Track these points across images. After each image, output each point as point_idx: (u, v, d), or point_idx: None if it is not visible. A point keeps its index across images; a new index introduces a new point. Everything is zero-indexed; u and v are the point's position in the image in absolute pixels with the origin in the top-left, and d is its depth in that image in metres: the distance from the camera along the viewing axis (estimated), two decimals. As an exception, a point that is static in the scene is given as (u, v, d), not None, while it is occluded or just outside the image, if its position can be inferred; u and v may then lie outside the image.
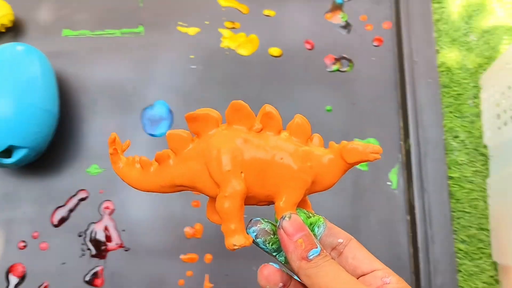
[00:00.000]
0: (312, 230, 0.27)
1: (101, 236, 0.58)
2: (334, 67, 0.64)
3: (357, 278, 0.26)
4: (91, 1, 0.66)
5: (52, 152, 0.60)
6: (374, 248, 0.52)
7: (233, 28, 0.66)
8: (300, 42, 0.65)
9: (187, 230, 0.58)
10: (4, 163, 0.52)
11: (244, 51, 0.65)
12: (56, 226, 0.58)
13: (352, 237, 0.27)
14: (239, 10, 0.66)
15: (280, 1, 0.66)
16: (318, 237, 0.27)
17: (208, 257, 0.58)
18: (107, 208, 0.59)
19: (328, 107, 0.62)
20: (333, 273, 0.24)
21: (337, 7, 0.67)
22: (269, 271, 0.26)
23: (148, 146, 0.61)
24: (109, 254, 0.57)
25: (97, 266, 0.56)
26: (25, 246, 0.57)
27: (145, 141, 0.61)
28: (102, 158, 0.60)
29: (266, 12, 0.66)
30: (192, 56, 0.64)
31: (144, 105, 0.62)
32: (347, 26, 0.66)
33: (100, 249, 0.57)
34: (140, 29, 0.65)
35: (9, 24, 0.61)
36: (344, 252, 0.27)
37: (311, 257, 0.24)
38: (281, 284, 0.26)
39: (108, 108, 0.62)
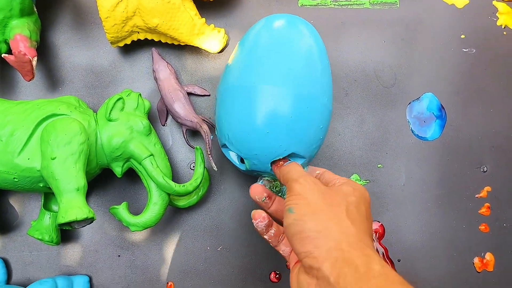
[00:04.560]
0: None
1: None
2: None
3: None
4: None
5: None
6: None
7: (510, 1, 0.51)
8: None
9: (476, 261, 0.47)
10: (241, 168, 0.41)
11: (525, 32, 0.50)
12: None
13: (327, 170, 0.36)
14: (517, -23, 0.51)
15: None
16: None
17: (506, 295, 0.46)
18: (375, 231, 0.47)
19: None
20: (292, 169, 0.34)
21: None
22: (255, 186, 0.37)
23: (417, 152, 0.48)
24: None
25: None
26: (279, 279, 0.45)
27: (414, 146, 0.48)
28: (363, 166, 0.47)
29: (551, -20, 0.51)
30: (463, 36, 0.50)
31: (409, 99, 0.49)
32: None
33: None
34: (395, -1, 0.50)
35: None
36: (321, 178, 0.35)
37: (284, 165, 0.36)
38: (265, 194, 0.36)
39: (364, 102, 0.49)
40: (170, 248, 0.46)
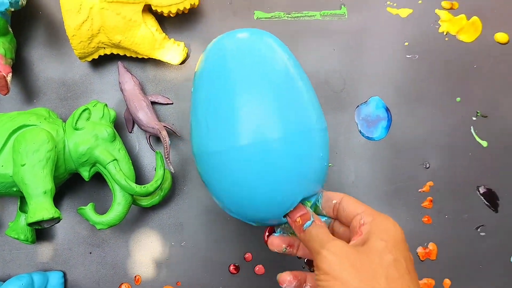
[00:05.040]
0: (310, 202, 0.34)
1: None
2: None
3: (349, 227, 0.32)
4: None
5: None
6: None
7: (451, 9, 0.55)
8: (530, 26, 0.55)
9: (420, 251, 0.51)
10: None
11: (466, 37, 0.55)
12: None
13: (344, 194, 0.33)
14: (457, -13, 0.55)
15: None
16: (319, 205, 0.34)
17: (447, 282, 0.51)
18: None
19: None
20: (316, 235, 0.30)
21: None
22: (271, 239, 0.35)
23: (365, 152, 0.52)
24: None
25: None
26: (237, 270, 0.50)
27: (362, 146, 0.52)
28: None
29: (488, -11, 0.55)
30: (406, 43, 0.54)
31: (358, 102, 0.53)
32: None
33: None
34: (343, 10, 0.55)
35: (196, 4, 0.50)
36: (339, 209, 0.32)
37: (305, 229, 0.31)
38: (284, 245, 0.34)
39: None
40: (137, 244, 0.50)
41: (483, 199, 0.52)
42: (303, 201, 0.34)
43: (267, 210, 0.33)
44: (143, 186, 0.44)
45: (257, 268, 0.50)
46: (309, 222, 0.31)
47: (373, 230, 0.29)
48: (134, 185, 0.44)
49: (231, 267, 0.50)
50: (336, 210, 0.33)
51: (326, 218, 0.35)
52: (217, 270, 0.50)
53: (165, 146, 0.47)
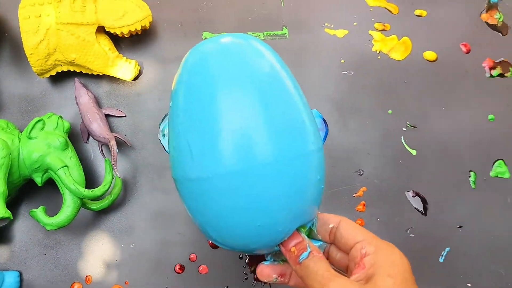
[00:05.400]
0: (305, 227, 0.31)
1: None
2: (494, 72, 0.59)
3: (347, 253, 0.29)
4: (230, 2, 0.61)
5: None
6: None
7: (384, 30, 0.61)
8: (456, 45, 0.61)
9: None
10: None
11: (397, 55, 0.60)
12: (214, 247, 0.54)
13: (342, 217, 0.31)
14: (389, 10, 0.61)
15: (431, 0, 0.61)
16: (314, 229, 0.32)
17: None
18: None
19: (490, 116, 0.58)
20: (315, 271, 0.27)
21: (492, 7, 0.62)
22: (261, 268, 0.32)
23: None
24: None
25: (266, 292, 0.53)
26: (182, 270, 0.53)
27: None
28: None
29: (418, 12, 0.61)
30: (342, 61, 0.59)
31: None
32: (504, 26, 0.61)
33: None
34: (285, 31, 0.60)
35: (147, 26, 0.55)
36: (336, 234, 0.30)
37: (301, 261, 0.28)
38: (275, 275, 0.31)
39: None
40: (89, 246, 0.54)
41: (412, 203, 0.56)
42: (298, 227, 0.31)
43: (258, 242, 0.29)
44: (91, 190, 0.48)
45: (201, 268, 0.54)
46: (305, 254, 0.28)
47: (378, 263, 0.26)
48: (82, 189, 0.48)
49: (177, 267, 0.54)
50: (333, 234, 0.30)
51: (321, 242, 0.32)
52: (163, 270, 0.54)
53: (112, 154, 0.51)
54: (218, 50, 0.30)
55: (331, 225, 0.31)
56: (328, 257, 0.32)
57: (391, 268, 0.26)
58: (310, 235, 0.33)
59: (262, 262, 0.33)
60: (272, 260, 0.33)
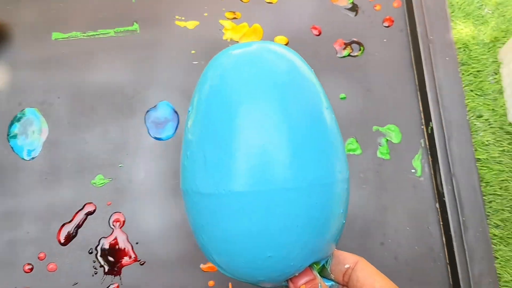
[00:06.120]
0: (319, 264, 0.28)
1: (113, 251, 0.53)
2: (345, 52, 0.60)
3: None
4: (81, 1, 0.62)
5: (54, 165, 0.55)
6: (405, 241, 0.48)
7: (234, 18, 0.61)
8: (307, 28, 0.61)
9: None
10: None
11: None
12: (63, 244, 0.54)
13: (360, 258, 0.27)
14: (239, -1, 0.62)
15: (282, -14, 0.62)
16: (328, 267, 0.28)
17: None
18: (117, 220, 0.55)
19: (342, 95, 0.58)
20: None
21: (342, -11, 0.63)
22: None
23: (154, 151, 0.57)
24: (123, 270, 0.53)
25: (112, 284, 0.52)
26: (31, 269, 0.53)
27: (151, 146, 0.57)
28: (107, 167, 0.56)
29: (268, -1, 0.62)
30: (193, 52, 0.60)
31: (147, 107, 0.58)
32: (354, 8, 0.62)
33: (113, 265, 0.53)
34: (135, 26, 0.61)
35: (-6, 31, 0.56)
36: (352, 276, 0.27)
37: None
38: None
39: (108, 114, 0.58)
40: None
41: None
42: (311, 263, 0.27)
43: (265, 274, 0.26)
44: None
45: (51, 266, 0.54)
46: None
47: None
48: None
49: (26, 267, 0.54)
50: (347, 276, 0.27)
51: (333, 283, 0.29)
52: (11, 270, 0.54)
53: None
54: (243, 60, 0.29)
55: (347, 266, 0.27)
56: None
57: None
58: (322, 272, 0.29)
59: None
60: None
